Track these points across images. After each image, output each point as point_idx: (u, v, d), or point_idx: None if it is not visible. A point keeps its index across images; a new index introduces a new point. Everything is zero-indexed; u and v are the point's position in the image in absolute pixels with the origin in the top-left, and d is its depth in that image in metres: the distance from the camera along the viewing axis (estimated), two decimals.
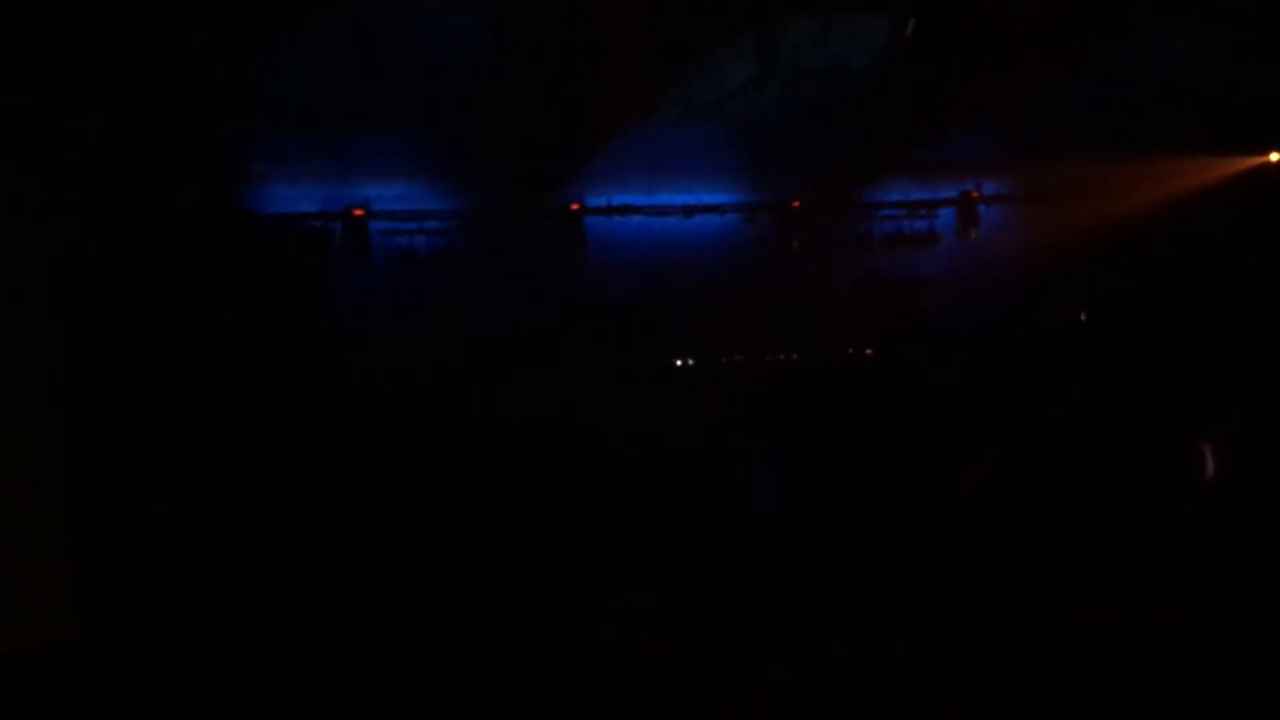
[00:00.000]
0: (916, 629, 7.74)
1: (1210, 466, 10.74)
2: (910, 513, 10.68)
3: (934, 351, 12.65)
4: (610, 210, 12.23)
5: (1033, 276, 12.41)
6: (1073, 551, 9.46)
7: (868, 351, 12.99)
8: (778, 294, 12.32)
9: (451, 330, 11.25)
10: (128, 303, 6.43)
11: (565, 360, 11.39)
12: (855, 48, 9.92)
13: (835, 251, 12.82)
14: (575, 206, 12.06)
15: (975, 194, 12.95)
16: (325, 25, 8.76)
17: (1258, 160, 12.03)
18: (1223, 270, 11.63)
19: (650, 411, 11.53)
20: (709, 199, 12.51)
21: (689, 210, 12.48)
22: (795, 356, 12.77)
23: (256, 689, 6.02)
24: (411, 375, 10.70)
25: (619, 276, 12.12)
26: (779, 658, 7.16)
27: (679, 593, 8.71)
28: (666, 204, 12.40)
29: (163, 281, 6.61)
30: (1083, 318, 12.83)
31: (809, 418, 11.99)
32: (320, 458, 7.23)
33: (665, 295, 12.05)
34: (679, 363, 12.48)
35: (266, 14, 8.09)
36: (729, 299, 12.32)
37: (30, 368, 6.04)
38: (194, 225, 7.31)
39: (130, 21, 6.36)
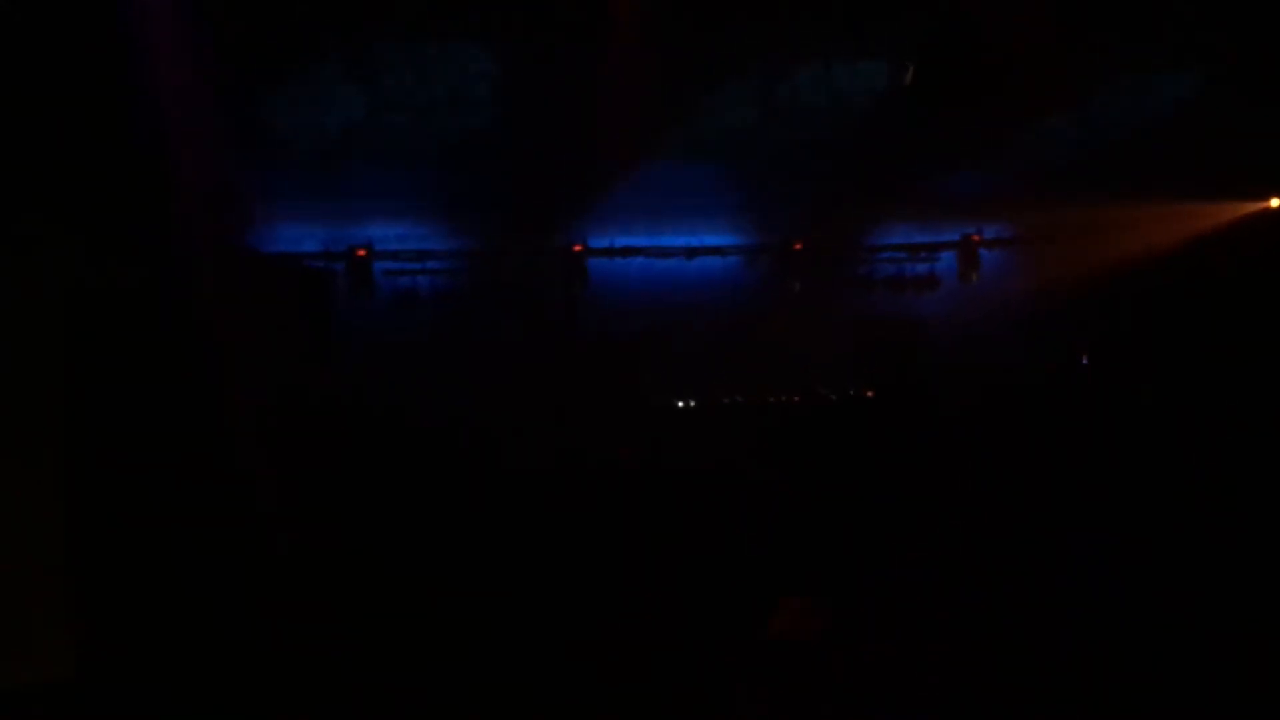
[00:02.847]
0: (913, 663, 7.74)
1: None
2: (911, 551, 10.65)
3: (935, 394, 12.66)
4: (613, 252, 12.29)
5: (1034, 320, 12.44)
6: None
7: (868, 393, 12.99)
8: (779, 336, 12.34)
9: (453, 370, 11.26)
10: (133, 339, 6.45)
11: (567, 401, 11.40)
12: (856, 91, 10.00)
13: (837, 294, 12.87)
14: (578, 248, 12.11)
15: (976, 238, 13.02)
16: (331, 69, 8.84)
17: (1258, 206, 12.08)
18: (1222, 314, 11.65)
19: (651, 452, 11.53)
20: (711, 241, 12.58)
21: (691, 252, 12.53)
22: (796, 398, 12.77)
23: None
24: (414, 414, 10.70)
25: (621, 317, 12.15)
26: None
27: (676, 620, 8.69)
28: (669, 245, 12.46)
29: (167, 318, 6.63)
30: (1084, 360, 12.86)
31: (810, 458, 11.99)
32: (324, 497, 7.23)
33: (667, 336, 12.08)
34: (680, 404, 12.48)
35: (273, 58, 8.17)
36: (731, 340, 12.36)
37: (33, 402, 6.05)
38: (199, 263, 7.33)
39: (137, 58, 6.44)
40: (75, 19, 5.87)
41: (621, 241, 12.28)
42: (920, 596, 8.94)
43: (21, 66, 5.85)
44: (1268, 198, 12.06)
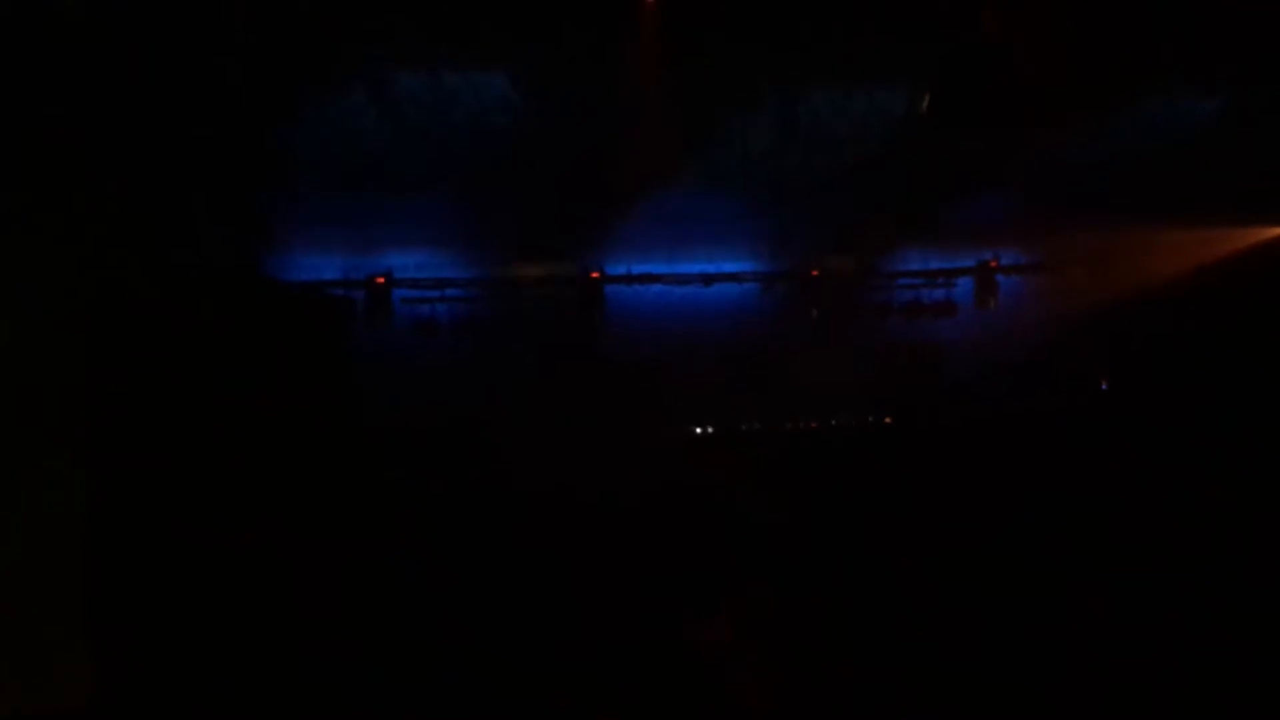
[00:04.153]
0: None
1: None
2: (927, 578, 10.60)
3: (954, 421, 12.63)
4: (630, 279, 12.31)
5: (1052, 345, 12.42)
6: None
7: (887, 420, 12.96)
8: (796, 362, 12.34)
9: (472, 397, 11.28)
10: (154, 367, 6.48)
11: (585, 428, 11.40)
12: (874, 117, 10.02)
13: (854, 320, 12.86)
14: (595, 275, 12.14)
15: (994, 263, 13.02)
16: (353, 95, 8.90)
17: (1277, 231, 12.06)
18: (1242, 339, 11.62)
19: (669, 478, 11.52)
20: (728, 267, 12.60)
21: (708, 279, 12.55)
22: (814, 424, 12.75)
23: None
24: (432, 442, 10.72)
25: (639, 344, 12.17)
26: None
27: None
28: (686, 272, 12.48)
29: (187, 345, 6.67)
30: (1103, 386, 12.82)
31: (828, 485, 11.96)
32: (342, 519, 7.23)
33: (684, 363, 12.08)
34: (698, 430, 12.47)
35: (296, 83, 8.23)
36: (748, 367, 12.36)
37: (54, 422, 6.06)
38: (218, 290, 7.37)
39: (164, 83, 6.50)
40: (110, 38, 5.95)
41: (639, 268, 12.31)
42: (929, 616, 8.91)
43: (58, 82, 5.93)
44: None
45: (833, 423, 12.79)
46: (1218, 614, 8.87)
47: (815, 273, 12.72)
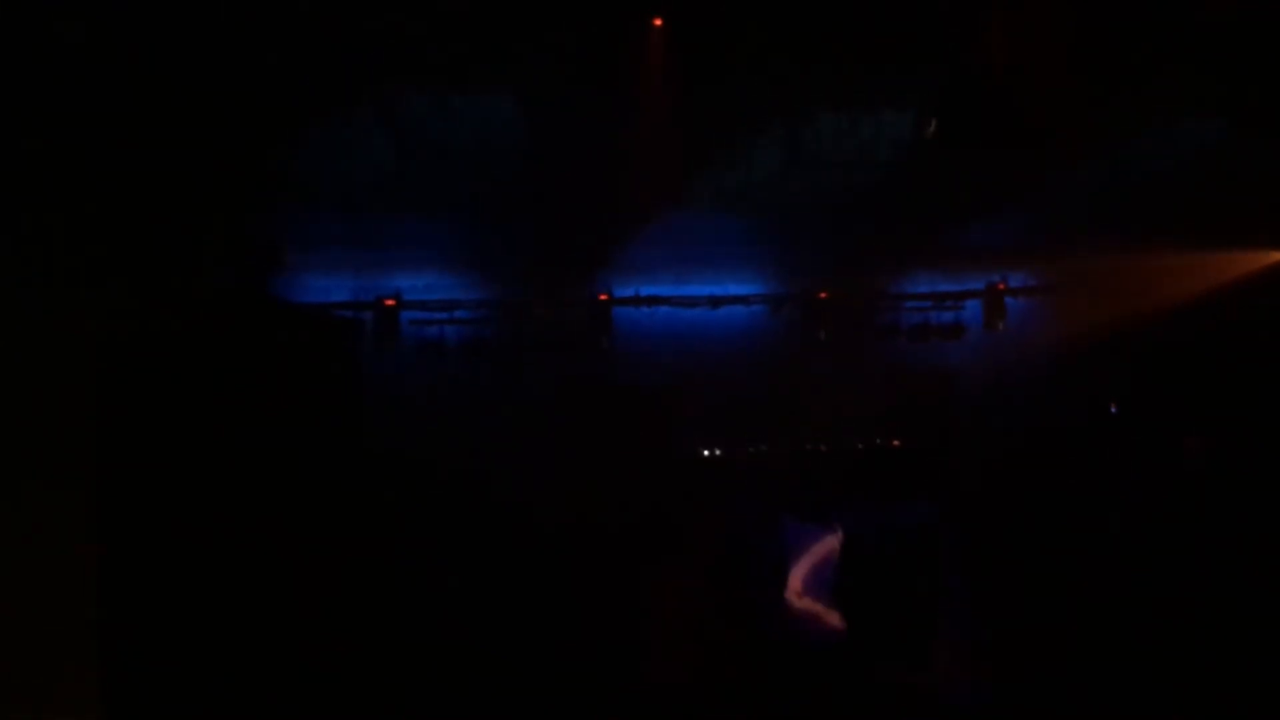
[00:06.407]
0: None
1: None
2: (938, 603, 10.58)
3: (963, 443, 12.60)
4: (638, 300, 12.31)
5: (1062, 368, 12.39)
6: None
7: (895, 443, 12.92)
8: (805, 385, 12.32)
9: (480, 419, 11.28)
10: (163, 386, 6.51)
11: (592, 450, 11.39)
12: (881, 139, 10.04)
13: (862, 343, 12.83)
14: (603, 297, 12.15)
15: (1002, 286, 12.99)
16: (359, 117, 8.95)
17: None
18: (1252, 362, 11.59)
19: (676, 501, 11.51)
20: (736, 290, 12.58)
21: (716, 301, 12.54)
22: (823, 448, 12.71)
23: None
24: (440, 463, 10.72)
25: (646, 367, 12.16)
26: None
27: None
28: (694, 294, 12.47)
29: (196, 365, 6.70)
30: (1113, 409, 12.77)
31: (836, 509, 11.94)
32: (349, 543, 7.24)
33: (692, 385, 12.07)
34: (706, 453, 12.45)
35: (303, 105, 8.28)
36: (756, 390, 12.34)
37: (62, 450, 6.08)
38: (227, 310, 7.41)
39: (171, 107, 6.56)
40: (120, 60, 6.01)
41: (647, 290, 12.31)
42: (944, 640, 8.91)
43: (67, 104, 5.99)
44: None
45: (841, 446, 12.75)
46: (1222, 625, 8.84)
47: (823, 295, 12.70)
